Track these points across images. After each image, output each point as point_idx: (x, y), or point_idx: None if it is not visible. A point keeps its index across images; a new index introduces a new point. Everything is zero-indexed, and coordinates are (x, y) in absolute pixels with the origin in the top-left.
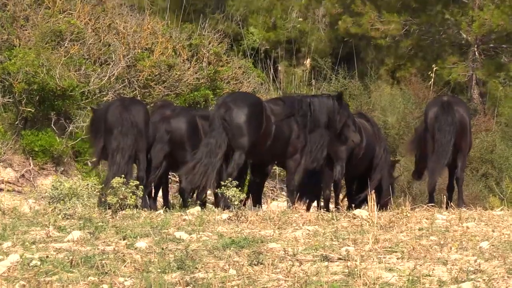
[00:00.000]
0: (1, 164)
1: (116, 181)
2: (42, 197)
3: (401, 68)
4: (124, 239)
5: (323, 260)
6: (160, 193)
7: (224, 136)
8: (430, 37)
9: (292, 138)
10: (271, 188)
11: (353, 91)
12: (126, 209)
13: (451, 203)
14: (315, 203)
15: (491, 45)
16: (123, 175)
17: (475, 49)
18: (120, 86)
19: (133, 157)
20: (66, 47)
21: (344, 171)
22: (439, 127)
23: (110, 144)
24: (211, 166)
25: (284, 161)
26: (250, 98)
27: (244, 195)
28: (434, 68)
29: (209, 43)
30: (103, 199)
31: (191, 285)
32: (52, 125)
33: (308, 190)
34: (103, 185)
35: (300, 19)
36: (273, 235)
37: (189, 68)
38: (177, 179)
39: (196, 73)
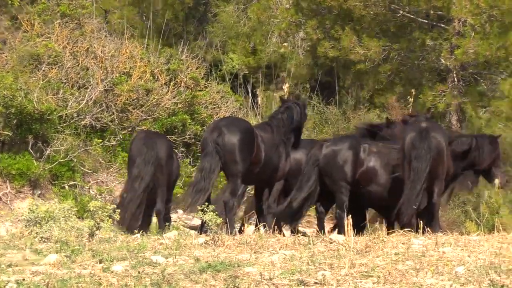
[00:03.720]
0: None
1: (93, 204)
2: (18, 220)
3: (380, 94)
4: (100, 263)
5: (300, 284)
6: None
7: (218, 159)
8: (409, 63)
9: (281, 163)
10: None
11: (330, 116)
12: (102, 232)
13: (428, 228)
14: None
15: (470, 71)
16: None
17: (455, 76)
18: (98, 110)
19: (150, 186)
20: (44, 70)
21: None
22: (416, 154)
23: (131, 173)
24: (204, 191)
25: (270, 186)
26: (242, 123)
27: (221, 219)
28: (413, 93)
29: (187, 68)
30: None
31: None
32: (29, 148)
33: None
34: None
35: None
36: (249, 259)
37: (167, 93)
38: None
39: (174, 97)
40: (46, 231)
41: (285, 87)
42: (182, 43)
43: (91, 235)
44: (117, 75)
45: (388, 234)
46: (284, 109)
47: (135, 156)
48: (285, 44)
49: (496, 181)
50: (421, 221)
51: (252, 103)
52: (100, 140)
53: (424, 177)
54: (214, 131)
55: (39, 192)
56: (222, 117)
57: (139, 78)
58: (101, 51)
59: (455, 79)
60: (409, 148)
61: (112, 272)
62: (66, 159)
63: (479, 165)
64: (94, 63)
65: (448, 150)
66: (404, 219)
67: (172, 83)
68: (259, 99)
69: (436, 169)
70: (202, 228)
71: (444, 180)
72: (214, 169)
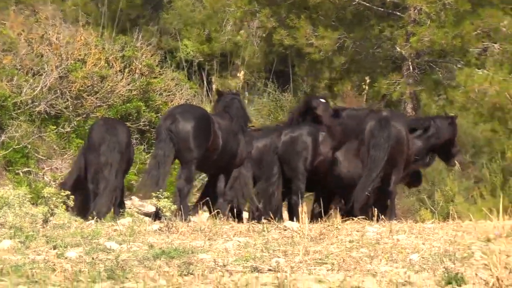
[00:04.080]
0: None
1: (47, 191)
2: None
3: (336, 83)
4: (54, 249)
5: (253, 271)
6: None
7: (171, 146)
8: (364, 52)
9: (240, 149)
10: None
11: (286, 104)
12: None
13: (382, 215)
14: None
15: (426, 59)
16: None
17: (410, 64)
18: (53, 97)
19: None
20: None
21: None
22: (375, 143)
23: (95, 160)
24: (161, 177)
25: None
26: (198, 111)
27: (175, 206)
28: (368, 81)
29: (142, 55)
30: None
31: None
32: None
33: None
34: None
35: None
36: (203, 246)
37: (121, 80)
38: None
39: (128, 84)
40: (0, 217)
41: (240, 75)
42: (137, 30)
43: (45, 221)
44: (71, 62)
45: (342, 221)
46: (232, 99)
47: (97, 143)
48: (241, 31)
49: (456, 160)
50: (375, 209)
51: (207, 90)
52: (55, 127)
53: (382, 165)
54: (168, 118)
55: None
56: (177, 104)
57: (94, 65)
58: (56, 38)
59: (410, 67)
60: (369, 136)
61: (66, 258)
62: (21, 145)
63: (439, 143)
64: (49, 50)
65: (408, 138)
66: (357, 206)
67: (126, 70)
68: (214, 86)
69: (395, 158)
70: (156, 215)
71: (403, 169)
72: (168, 156)
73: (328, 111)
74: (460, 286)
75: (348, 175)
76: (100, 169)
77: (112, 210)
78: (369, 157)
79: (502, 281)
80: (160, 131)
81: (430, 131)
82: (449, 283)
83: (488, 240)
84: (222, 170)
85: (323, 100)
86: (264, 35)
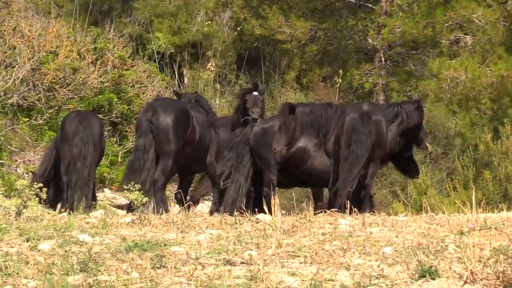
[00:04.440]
0: None
1: (20, 183)
2: None
3: (307, 74)
4: (27, 241)
5: (226, 264)
6: None
7: (151, 139)
8: (336, 43)
9: (211, 145)
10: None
11: None
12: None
13: (355, 208)
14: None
15: (398, 50)
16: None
17: (382, 55)
18: (25, 89)
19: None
20: None
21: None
22: (357, 138)
23: (68, 151)
24: (139, 170)
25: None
26: (177, 104)
27: (147, 198)
28: (341, 74)
29: (114, 47)
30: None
31: (94, 287)
32: None
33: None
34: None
35: (208, 23)
36: (176, 238)
37: (93, 72)
38: None
39: (100, 76)
40: None
41: (211, 66)
42: (109, 21)
43: (18, 213)
44: (44, 54)
45: (315, 214)
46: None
47: (71, 136)
48: (209, 22)
49: (426, 143)
50: (348, 201)
51: (178, 82)
52: (27, 119)
53: (363, 162)
54: (148, 111)
55: None
56: (157, 97)
57: (66, 57)
58: (28, 30)
59: (382, 59)
60: (349, 130)
61: (39, 250)
62: None
63: (409, 128)
64: (21, 42)
65: (387, 132)
66: (339, 201)
67: (99, 62)
68: (185, 78)
69: (373, 153)
70: (129, 207)
71: (380, 161)
72: (149, 149)
73: (257, 104)
74: (433, 279)
75: (319, 168)
76: (73, 161)
77: (85, 202)
78: (351, 152)
79: (476, 274)
80: (141, 123)
81: (400, 117)
82: (423, 276)
83: (462, 233)
84: (195, 164)
85: (255, 93)
86: (235, 26)
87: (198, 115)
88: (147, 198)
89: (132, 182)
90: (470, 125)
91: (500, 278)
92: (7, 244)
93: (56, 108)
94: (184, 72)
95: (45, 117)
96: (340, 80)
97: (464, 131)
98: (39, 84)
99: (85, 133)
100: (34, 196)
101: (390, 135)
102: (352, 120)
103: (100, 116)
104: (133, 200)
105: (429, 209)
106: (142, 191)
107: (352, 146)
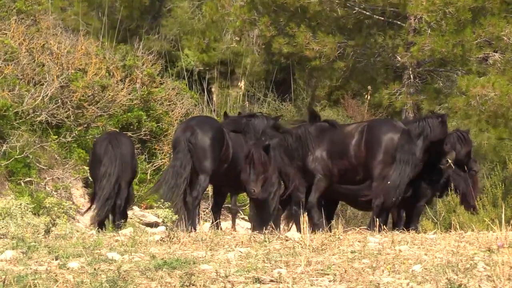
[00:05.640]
0: None
1: (49, 201)
2: None
3: (337, 90)
4: (56, 259)
5: (255, 282)
6: None
7: (189, 158)
8: (365, 60)
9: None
10: (203, 210)
11: (286, 113)
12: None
13: (384, 226)
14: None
15: (426, 68)
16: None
17: (410, 73)
18: (54, 107)
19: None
20: (0, 67)
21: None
22: (401, 157)
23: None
24: (176, 187)
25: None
26: (213, 122)
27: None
28: (370, 90)
29: (143, 64)
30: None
31: None
32: None
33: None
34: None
35: (236, 39)
36: (205, 256)
37: (122, 89)
38: None
39: (129, 94)
40: (2, 228)
41: (241, 84)
42: (137, 39)
43: (47, 231)
44: (72, 71)
45: (344, 232)
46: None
47: (101, 157)
48: (236, 38)
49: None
50: (377, 219)
51: (207, 100)
52: (56, 137)
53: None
54: (187, 130)
55: None
56: (192, 116)
57: (95, 74)
58: (57, 48)
59: (411, 76)
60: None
61: (68, 268)
62: (22, 155)
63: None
64: (50, 59)
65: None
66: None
67: (127, 79)
68: (214, 96)
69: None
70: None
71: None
72: (185, 166)
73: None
74: None
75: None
76: (100, 179)
77: (111, 218)
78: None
79: None
80: (179, 142)
81: (425, 132)
82: None
83: (491, 251)
84: (230, 181)
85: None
86: (263, 44)
87: (232, 133)
88: (177, 215)
89: (162, 200)
90: (499, 142)
91: None
92: (36, 262)
93: (85, 125)
94: (213, 89)
95: (74, 134)
96: (369, 97)
97: (496, 149)
98: (68, 102)
99: (114, 152)
100: (63, 214)
101: (417, 150)
102: (397, 138)
103: (129, 133)
104: (162, 217)
105: (458, 226)
106: (172, 209)
107: (397, 164)
